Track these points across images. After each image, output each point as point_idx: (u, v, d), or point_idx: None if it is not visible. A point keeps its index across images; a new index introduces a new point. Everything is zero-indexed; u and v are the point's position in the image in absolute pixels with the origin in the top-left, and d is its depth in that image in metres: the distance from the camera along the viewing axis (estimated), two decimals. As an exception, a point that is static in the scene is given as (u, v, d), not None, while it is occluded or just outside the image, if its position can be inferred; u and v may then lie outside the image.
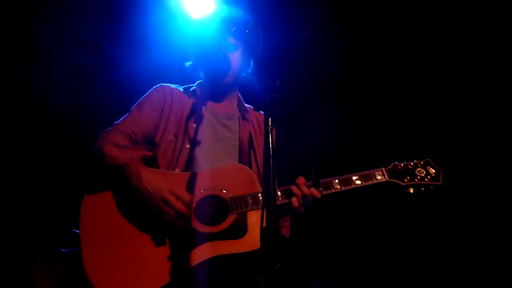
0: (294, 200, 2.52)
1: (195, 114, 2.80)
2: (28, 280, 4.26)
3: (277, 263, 1.84)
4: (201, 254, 2.39)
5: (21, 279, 4.28)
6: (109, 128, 2.72)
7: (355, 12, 4.56)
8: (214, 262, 2.41)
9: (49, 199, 4.61)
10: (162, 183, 2.45)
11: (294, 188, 2.53)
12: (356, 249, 4.94)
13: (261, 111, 3.02)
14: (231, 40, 2.84)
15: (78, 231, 2.49)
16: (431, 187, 2.69)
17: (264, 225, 1.91)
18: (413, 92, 4.77)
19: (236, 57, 2.84)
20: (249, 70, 2.95)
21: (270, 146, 2.01)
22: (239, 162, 2.78)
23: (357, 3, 4.53)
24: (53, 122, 4.61)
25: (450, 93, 4.67)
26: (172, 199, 2.41)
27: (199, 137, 2.72)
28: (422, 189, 2.68)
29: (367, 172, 2.66)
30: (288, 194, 2.54)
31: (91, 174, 2.63)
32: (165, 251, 2.41)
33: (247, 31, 2.40)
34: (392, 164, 2.73)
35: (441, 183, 2.69)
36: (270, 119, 2.07)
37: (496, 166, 4.53)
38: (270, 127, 2.05)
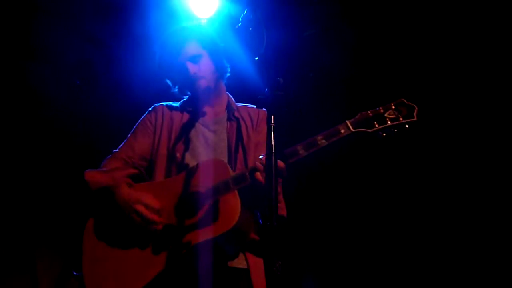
0: (258, 175, 2.50)
1: (185, 126, 2.91)
2: (31, 277, 4.28)
3: (278, 261, 1.85)
4: (181, 246, 2.53)
5: (24, 276, 4.30)
6: (109, 156, 2.90)
7: (359, 9, 4.56)
8: (196, 249, 2.53)
9: (51, 198, 4.62)
10: (132, 195, 2.66)
11: (257, 164, 2.51)
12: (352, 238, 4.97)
13: (253, 105, 3.04)
14: (193, 51, 2.88)
15: None
16: (406, 126, 2.45)
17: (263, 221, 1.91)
18: (416, 91, 4.76)
19: (203, 66, 2.88)
20: (228, 74, 3.01)
21: (273, 144, 2.00)
22: (228, 162, 2.79)
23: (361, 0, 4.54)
24: (56, 119, 4.63)
25: (453, 88, 4.68)
26: (141, 208, 2.60)
27: (190, 147, 2.82)
28: (395, 130, 2.46)
29: (331, 129, 2.51)
30: (253, 172, 2.53)
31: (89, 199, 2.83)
32: (148, 251, 2.60)
33: (250, 28, 2.38)
34: (359, 114, 2.52)
35: (415, 118, 2.45)
36: (273, 116, 2.06)
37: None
38: (273, 124, 2.04)
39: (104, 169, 2.81)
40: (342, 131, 2.48)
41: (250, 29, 2.35)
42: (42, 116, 4.65)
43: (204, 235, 2.51)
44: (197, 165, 2.70)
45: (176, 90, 3.07)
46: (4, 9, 4.22)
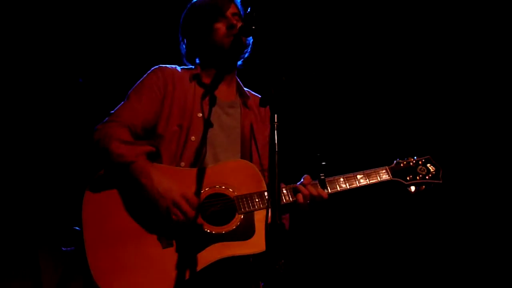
0: (300, 198, 2.48)
1: (199, 103, 2.69)
2: (34, 276, 4.28)
3: (281, 259, 1.83)
4: (210, 256, 2.33)
5: (27, 275, 4.30)
6: (106, 119, 2.59)
7: (362, 10, 4.55)
8: (223, 263, 2.35)
9: (54, 198, 4.61)
10: (173, 185, 2.38)
11: (301, 187, 2.50)
12: (356, 248, 4.93)
13: (256, 94, 2.95)
14: (235, 10, 2.80)
15: (78, 228, 2.42)
16: (432, 185, 2.68)
17: (269, 221, 1.89)
18: (416, 87, 4.76)
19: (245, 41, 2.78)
20: (247, 55, 2.88)
21: (276, 142, 1.97)
22: (241, 152, 2.71)
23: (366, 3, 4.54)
24: (58, 117, 4.62)
25: (451, 90, 4.67)
26: (183, 203, 2.34)
27: (205, 128, 2.62)
28: (423, 187, 2.68)
29: (371, 170, 2.64)
30: (295, 193, 2.51)
31: (91, 170, 2.54)
32: (172, 252, 2.34)
33: (253, 26, 2.37)
34: (395, 162, 2.71)
35: (441, 181, 2.68)
36: (276, 115, 2.03)
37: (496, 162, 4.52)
38: (276, 123, 2.01)
39: (128, 141, 2.47)
40: (384, 176, 2.65)
41: (253, 27, 2.34)
42: (46, 115, 4.64)
43: (235, 250, 2.34)
44: (225, 163, 2.58)
45: (185, 52, 2.89)
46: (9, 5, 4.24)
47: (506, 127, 4.53)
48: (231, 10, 2.78)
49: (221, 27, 2.74)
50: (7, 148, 4.50)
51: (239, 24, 2.71)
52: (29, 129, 4.58)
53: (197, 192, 2.42)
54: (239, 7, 2.83)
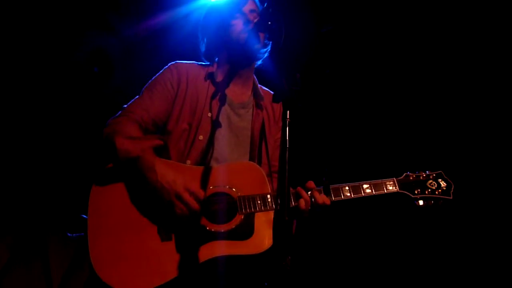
0: (302, 204, 2.47)
1: (210, 103, 2.72)
2: (43, 262, 4.32)
3: (288, 256, 1.84)
4: (206, 253, 2.36)
5: (36, 260, 4.34)
6: (118, 114, 2.65)
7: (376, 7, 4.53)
8: (218, 261, 2.38)
9: (65, 186, 4.65)
10: (177, 177, 2.41)
11: (303, 192, 2.50)
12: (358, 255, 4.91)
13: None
14: (253, 6, 2.79)
15: (86, 216, 2.47)
16: (441, 201, 2.64)
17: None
18: (432, 100, 4.72)
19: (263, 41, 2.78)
20: (266, 55, 2.87)
21: (287, 139, 1.98)
22: (250, 153, 2.73)
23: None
24: (73, 108, 4.65)
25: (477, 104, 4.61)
26: (186, 195, 2.38)
27: (213, 128, 2.66)
28: (432, 202, 2.64)
29: (378, 181, 2.62)
30: (297, 197, 2.51)
31: (100, 162, 2.59)
32: (170, 246, 2.38)
33: (269, 22, 2.37)
34: (404, 174, 2.69)
35: (451, 197, 2.64)
36: (288, 112, 2.03)
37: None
38: (288, 120, 2.01)
39: (133, 136, 2.52)
40: (390, 187, 2.62)
41: (269, 23, 2.34)
42: (59, 105, 4.67)
43: (232, 249, 2.37)
44: (231, 163, 2.61)
45: (204, 51, 2.89)
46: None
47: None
48: (248, 6, 2.79)
49: (238, 23, 2.75)
50: (21, 140, 4.54)
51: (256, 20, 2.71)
52: (45, 121, 4.62)
53: (201, 189, 2.45)
54: (258, 4, 2.83)
